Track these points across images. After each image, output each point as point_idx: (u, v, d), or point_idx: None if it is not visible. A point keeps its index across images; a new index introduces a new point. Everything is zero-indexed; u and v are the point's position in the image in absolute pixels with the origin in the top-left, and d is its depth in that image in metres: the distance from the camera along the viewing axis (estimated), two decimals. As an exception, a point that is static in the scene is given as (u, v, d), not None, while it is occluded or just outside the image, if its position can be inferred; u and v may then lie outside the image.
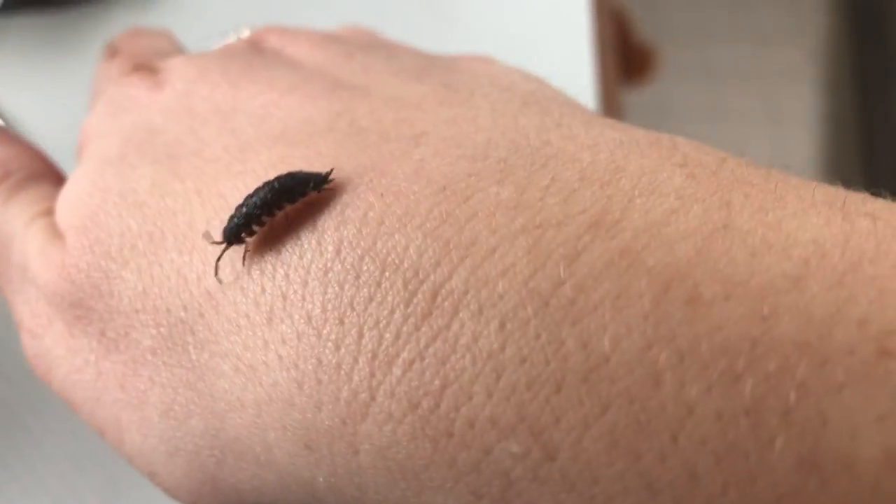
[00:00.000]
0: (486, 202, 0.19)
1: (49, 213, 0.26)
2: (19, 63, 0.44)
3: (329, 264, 0.20)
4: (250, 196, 0.22)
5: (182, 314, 0.22)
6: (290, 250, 0.21)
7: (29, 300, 0.25)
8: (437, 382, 0.18)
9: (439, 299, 0.18)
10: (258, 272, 0.21)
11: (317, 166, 0.22)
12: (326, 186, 0.21)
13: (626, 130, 0.22)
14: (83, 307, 0.24)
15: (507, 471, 0.17)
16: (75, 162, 0.28)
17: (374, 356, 0.18)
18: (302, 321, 0.20)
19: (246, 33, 0.31)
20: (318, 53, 0.29)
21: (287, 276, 0.20)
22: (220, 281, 0.22)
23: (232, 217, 0.22)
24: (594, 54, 0.48)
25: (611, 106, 0.48)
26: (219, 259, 0.22)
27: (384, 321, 0.18)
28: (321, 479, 0.20)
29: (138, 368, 0.23)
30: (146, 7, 0.46)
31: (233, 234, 0.21)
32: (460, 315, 0.18)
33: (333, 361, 0.19)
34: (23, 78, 0.44)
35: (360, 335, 0.19)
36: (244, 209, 0.21)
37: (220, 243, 0.22)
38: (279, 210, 0.21)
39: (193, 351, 0.22)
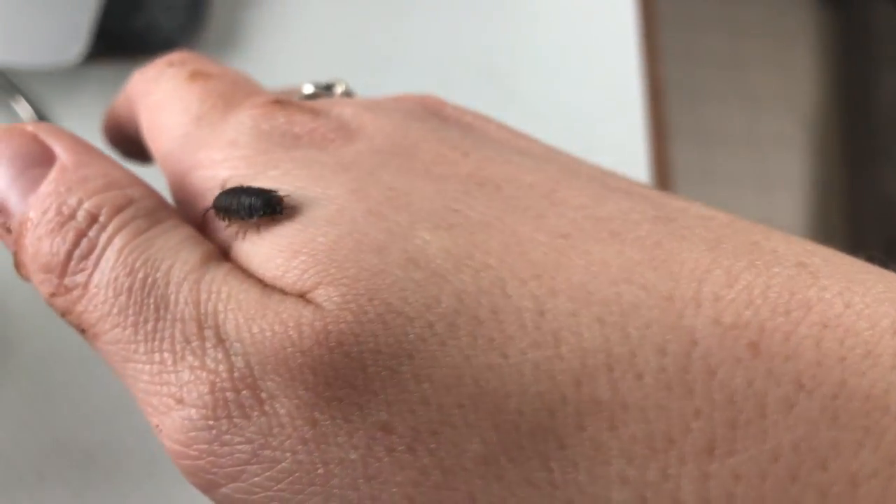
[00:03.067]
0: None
1: (222, 256, 0.22)
2: (98, 112, 0.45)
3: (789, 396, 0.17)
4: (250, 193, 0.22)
5: (545, 421, 0.18)
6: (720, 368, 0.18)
7: (211, 369, 0.20)
8: None
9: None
10: (683, 390, 0.17)
11: (699, 270, 0.19)
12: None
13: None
14: (355, 389, 0.19)
15: None
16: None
17: None
18: (766, 457, 0.17)
19: (309, 88, 0.30)
20: (518, 140, 0.26)
21: (731, 401, 0.17)
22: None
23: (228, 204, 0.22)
24: (647, 128, 0.49)
25: (662, 172, 0.49)
26: (204, 213, 0.23)
27: None
28: None
29: (450, 479, 0.18)
30: (220, 61, 0.47)
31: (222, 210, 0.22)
32: None
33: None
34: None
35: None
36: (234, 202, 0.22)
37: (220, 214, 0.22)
38: (242, 218, 0.22)
39: (557, 469, 0.18)
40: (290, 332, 0.19)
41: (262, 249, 0.21)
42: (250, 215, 0.21)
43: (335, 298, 0.19)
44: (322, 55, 0.48)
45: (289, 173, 0.22)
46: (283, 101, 0.25)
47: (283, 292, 0.20)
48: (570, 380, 0.18)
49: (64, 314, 0.22)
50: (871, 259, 0.20)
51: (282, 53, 0.48)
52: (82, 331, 0.22)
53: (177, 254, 0.21)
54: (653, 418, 0.17)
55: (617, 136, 0.49)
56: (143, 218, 0.22)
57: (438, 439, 0.18)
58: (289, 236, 0.21)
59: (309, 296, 0.20)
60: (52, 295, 0.22)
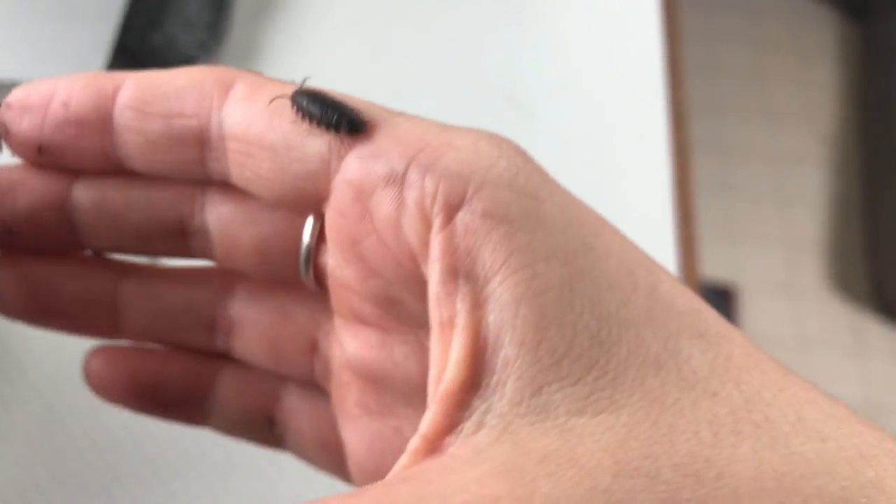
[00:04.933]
0: None
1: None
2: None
3: None
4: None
5: (837, 491, 0.18)
6: None
7: None
8: None
9: None
10: None
11: None
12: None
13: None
14: None
15: None
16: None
17: None
18: None
19: None
20: None
21: None
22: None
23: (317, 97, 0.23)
24: (670, 151, 0.49)
25: (684, 195, 0.49)
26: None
27: None
28: None
29: None
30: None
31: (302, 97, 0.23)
32: None
33: None
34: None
35: None
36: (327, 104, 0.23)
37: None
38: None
39: None
40: None
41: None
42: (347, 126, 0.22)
43: None
44: (342, 75, 0.48)
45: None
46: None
47: None
48: (847, 460, 0.19)
49: None
50: None
51: (301, 72, 0.47)
52: None
53: None
54: None
55: (639, 159, 0.49)
56: None
57: None
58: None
59: None
60: None
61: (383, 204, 0.22)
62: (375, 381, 0.26)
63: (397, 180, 0.21)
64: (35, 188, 0.25)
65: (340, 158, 0.22)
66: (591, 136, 0.49)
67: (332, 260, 0.24)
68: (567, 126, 0.48)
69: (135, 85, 0.24)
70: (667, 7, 0.52)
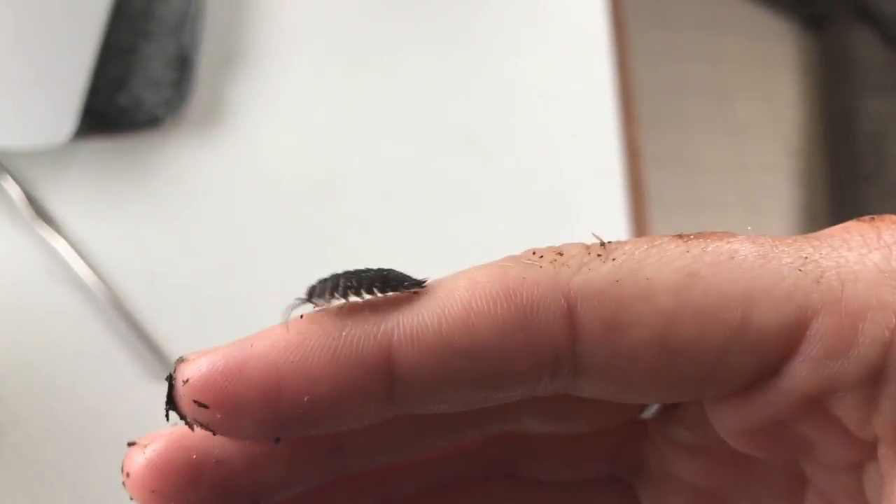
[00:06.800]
0: None
1: None
2: (85, 189, 0.45)
3: None
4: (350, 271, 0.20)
5: None
6: None
7: None
8: None
9: None
10: None
11: None
12: (416, 289, 0.19)
13: None
14: None
15: None
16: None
17: None
18: None
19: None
20: None
21: None
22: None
23: (326, 279, 0.21)
24: (626, 191, 0.50)
25: (640, 228, 0.50)
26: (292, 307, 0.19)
27: None
28: None
29: None
30: (205, 135, 0.48)
31: (316, 292, 0.20)
32: None
33: None
34: (87, 203, 0.45)
35: None
36: (341, 277, 0.20)
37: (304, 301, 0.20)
38: (366, 294, 0.20)
39: None
40: None
41: None
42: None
43: None
44: (305, 130, 0.49)
45: None
46: None
47: None
48: None
49: None
50: None
51: (266, 128, 0.49)
52: None
53: None
54: None
55: (595, 200, 0.50)
56: None
57: None
58: None
59: None
60: None
61: (855, 409, 0.19)
62: None
63: (872, 380, 0.18)
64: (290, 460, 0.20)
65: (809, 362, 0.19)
66: (545, 173, 0.50)
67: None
68: (522, 164, 0.50)
69: (418, 346, 0.18)
70: (619, 55, 0.54)
